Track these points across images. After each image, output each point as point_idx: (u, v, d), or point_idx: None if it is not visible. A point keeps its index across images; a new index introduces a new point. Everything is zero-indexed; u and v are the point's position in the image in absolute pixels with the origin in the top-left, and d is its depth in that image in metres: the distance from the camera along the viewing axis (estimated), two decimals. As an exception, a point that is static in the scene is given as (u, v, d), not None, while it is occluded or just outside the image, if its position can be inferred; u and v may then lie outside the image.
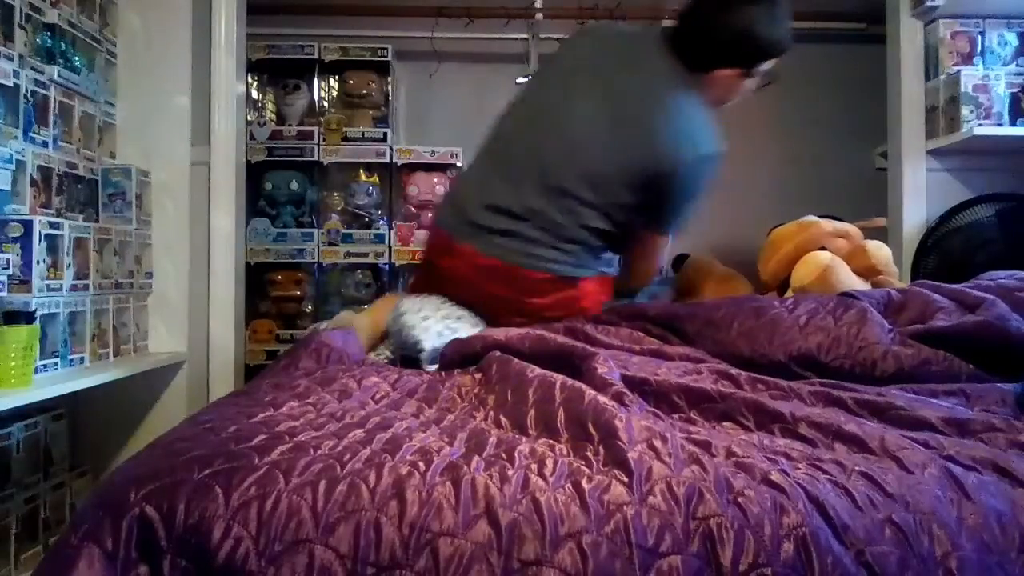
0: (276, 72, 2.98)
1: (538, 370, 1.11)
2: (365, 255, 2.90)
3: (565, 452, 0.87)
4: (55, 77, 1.88)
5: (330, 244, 2.89)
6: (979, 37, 2.38)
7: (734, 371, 1.23)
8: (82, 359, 1.86)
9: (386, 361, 1.62)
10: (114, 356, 2.01)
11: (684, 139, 1.68)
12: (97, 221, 2.06)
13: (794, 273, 1.91)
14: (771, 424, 0.99)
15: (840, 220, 2.09)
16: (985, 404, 1.10)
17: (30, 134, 1.79)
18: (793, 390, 1.14)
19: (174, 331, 2.24)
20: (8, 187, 1.68)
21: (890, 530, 0.73)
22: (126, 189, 2.11)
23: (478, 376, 1.24)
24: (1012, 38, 2.40)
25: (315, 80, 2.98)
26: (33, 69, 1.82)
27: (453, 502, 0.73)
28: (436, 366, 1.48)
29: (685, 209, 1.77)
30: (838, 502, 0.75)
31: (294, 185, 2.89)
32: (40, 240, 1.68)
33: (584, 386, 1.01)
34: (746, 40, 1.71)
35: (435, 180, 2.96)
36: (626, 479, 0.77)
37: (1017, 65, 2.39)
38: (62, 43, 1.92)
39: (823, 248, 1.92)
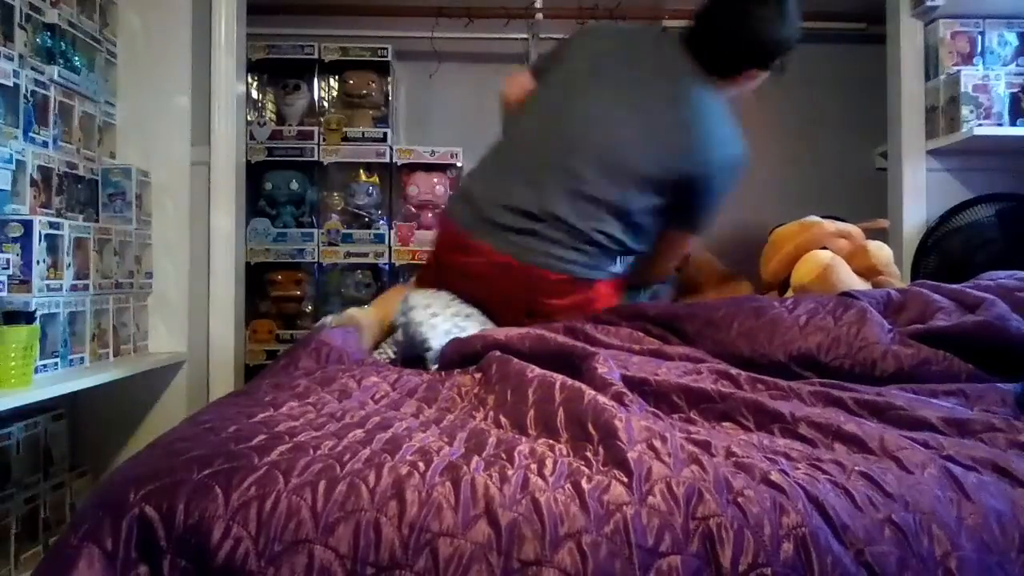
0: (276, 72, 2.98)
1: (538, 370, 1.11)
2: (365, 255, 2.90)
3: (565, 452, 0.87)
4: (55, 77, 1.88)
5: (330, 244, 2.89)
6: (979, 37, 2.38)
7: (734, 371, 1.23)
8: (82, 359, 1.86)
9: (387, 360, 1.62)
10: (114, 356, 2.01)
11: (713, 140, 1.72)
12: (97, 221, 2.06)
13: (794, 272, 1.91)
14: (771, 424, 0.99)
15: (842, 220, 2.09)
16: (985, 404, 1.10)
17: (30, 134, 1.79)
18: (793, 390, 1.14)
19: (174, 331, 2.24)
20: (8, 187, 1.68)
21: (890, 530, 0.73)
22: (126, 189, 2.11)
23: (478, 376, 1.24)
24: (1012, 38, 2.40)
25: (315, 80, 2.98)
26: (33, 69, 1.82)
27: (453, 502, 0.73)
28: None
29: (714, 208, 1.80)
30: (838, 502, 0.75)
31: (294, 185, 2.89)
32: (40, 240, 1.68)
33: (584, 386, 1.01)
34: (767, 41, 1.75)
35: (435, 180, 2.96)
36: (626, 479, 0.77)
37: (1017, 65, 2.39)
38: (62, 43, 1.92)
39: (824, 248, 1.93)
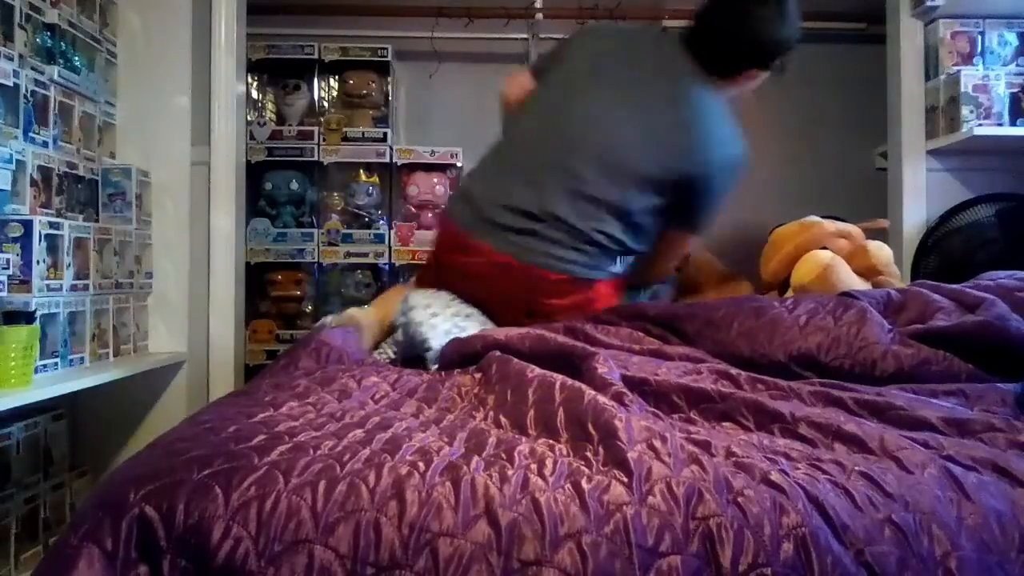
0: (276, 72, 2.98)
1: (538, 370, 1.11)
2: (365, 255, 2.90)
3: (565, 452, 0.87)
4: (55, 77, 1.88)
5: (330, 244, 2.89)
6: (979, 37, 2.38)
7: (734, 371, 1.23)
8: (82, 359, 1.86)
9: (387, 360, 1.62)
10: (114, 356, 2.01)
11: (714, 140, 1.73)
12: (97, 221, 2.06)
13: (794, 272, 1.91)
14: (771, 424, 0.99)
15: (842, 220, 2.09)
16: (985, 404, 1.10)
17: (30, 134, 1.79)
18: (793, 390, 1.14)
19: (174, 331, 2.24)
20: (8, 187, 1.68)
21: (890, 530, 0.73)
22: (126, 189, 2.11)
23: (478, 376, 1.24)
24: (1012, 38, 2.40)
25: (315, 80, 2.98)
26: (33, 69, 1.82)
27: (453, 502, 0.73)
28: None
29: (714, 208, 1.81)
30: (838, 502, 0.75)
31: (294, 185, 2.89)
32: (40, 240, 1.68)
33: (584, 386, 1.01)
34: (767, 41, 1.76)
35: (435, 180, 2.96)
36: (626, 479, 0.77)
37: (1017, 65, 2.39)
38: (62, 43, 1.92)
39: (824, 248, 1.93)
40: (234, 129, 2.31)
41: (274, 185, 2.88)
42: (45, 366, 1.71)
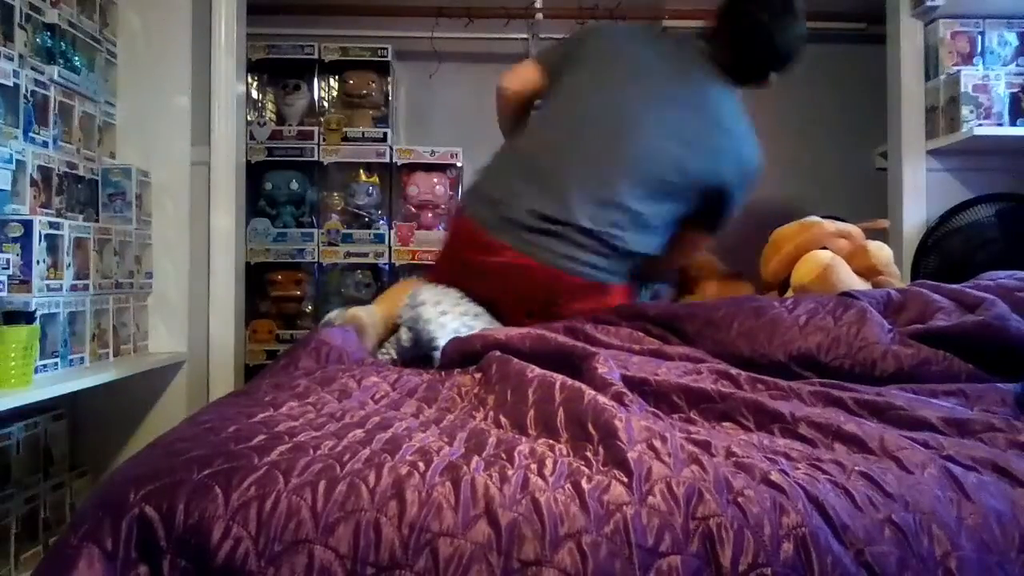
0: (276, 72, 2.98)
1: (538, 370, 1.11)
2: (365, 255, 2.90)
3: (565, 452, 0.87)
4: (55, 77, 1.88)
5: (330, 244, 2.89)
6: (979, 37, 2.38)
7: (734, 371, 1.23)
8: (82, 359, 1.86)
9: (389, 360, 1.61)
10: (114, 356, 2.01)
11: (741, 148, 1.80)
12: (97, 221, 2.06)
13: (794, 272, 1.91)
14: (771, 424, 0.99)
15: (842, 220, 2.09)
16: (985, 404, 1.10)
17: (30, 134, 1.79)
18: (793, 390, 1.14)
19: (174, 331, 2.24)
20: (8, 187, 1.68)
21: (890, 530, 0.73)
22: (126, 189, 2.11)
23: (478, 376, 1.24)
24: (1012, 38, 2.40)
25: (315, 80, 2.98)
26: (33, 69, 1.82)
27: (453, 502, 0.73)
28: None
29: (735, 211, 1.86)
30: (838, 502, 0.75)
31: (294, 185, 2.89)
32: (40, 240, 1.68)
33: (584, 386, 1.01)
34: (790, 49, 1.84)
35: (435, 180, 2.96)
36: (626, 479, 0.77)
37: (1017, 65, 2.38)
38: (62, 43, 1.92)
39: (824, 248, 1.92)
40: (234, 129, 2.31)
41: (274, 185, 2.88)
42: (45, 366, 1.71)
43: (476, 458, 0.82)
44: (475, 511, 0.73)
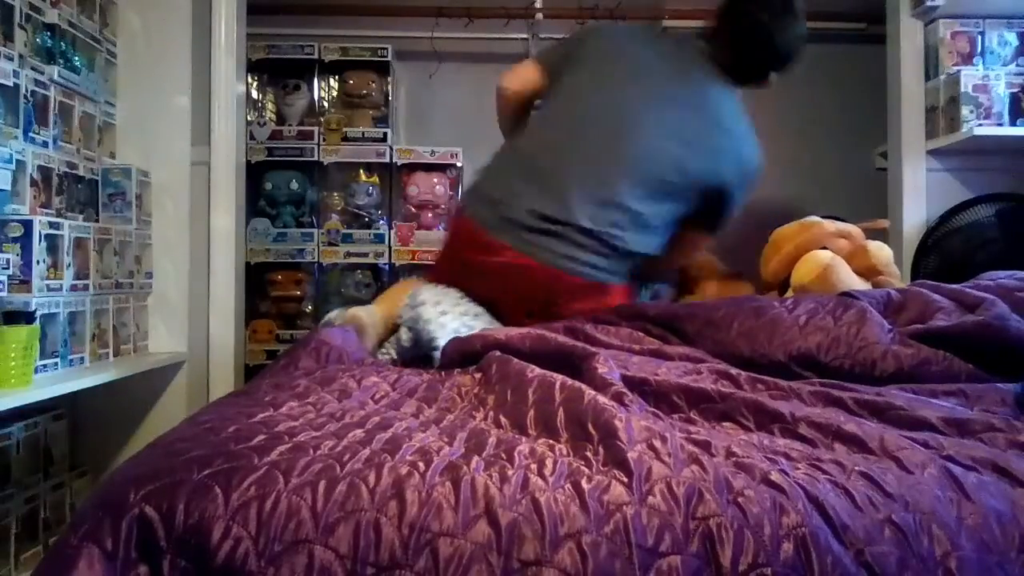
0: (276, 72, 2.98)
1: (538, 370, 1.11)
2: (365, 255, 2.91)
3: (565, 452, 0.87)
4: (55, 77, 1.88)
5: (330, 244, 2.89)
6: (979, 37, 2.38)
7: (734, 371, 1.23)
8: (82, 359, 1.86)
9: (389, 360, 1.61)
10: (114, 356, 2.01)
11: (742, 149, 1.81)
12: (97, 221, 2.06)
13: (794, 272, 1.91)
14: (771, 424, 0.99)
15: (842, 220, 2.09)
16: (985, 404, 1.10)
17: (30, 134, 1.79)
18: (793, 390, 1.14)
19: (174, 331, 2.24)
20: (8, 187, 1.68)
21: (890, 530, 0.73)
22: (126, 189, 2.11)
23: (478, 376, 1.24)
24: (1012, 38, 2.40)
25: (315, 80, 2.98)
26: (33, 69, 1.82)
27: (453, 502, 0.73)
28: None
29: (735, 212, 1.87)
30: (838, 502, 0.75)
31: (294, 185, 2.89)
32: (40, 240, 1.68)
33: (584, 386, 1.01)
34: (791, 49, 1.85)
35: (435, 180, 2.96)
36: (626, 479, 0.77)
37: (1017, 65, 2.38)
38: (62, 43, 1.92)
39: (824, 248, 1.92)
40: (234, 129, 2.31)
41: (274, 185, 2.88)
42: (45, 366, 1.71)
43: (476, 458, 0.82)
44: (475, 511, 0.73)
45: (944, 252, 2.31)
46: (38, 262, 1.68)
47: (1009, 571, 0.73)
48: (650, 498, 0.74)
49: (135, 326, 2.14)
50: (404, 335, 1.61)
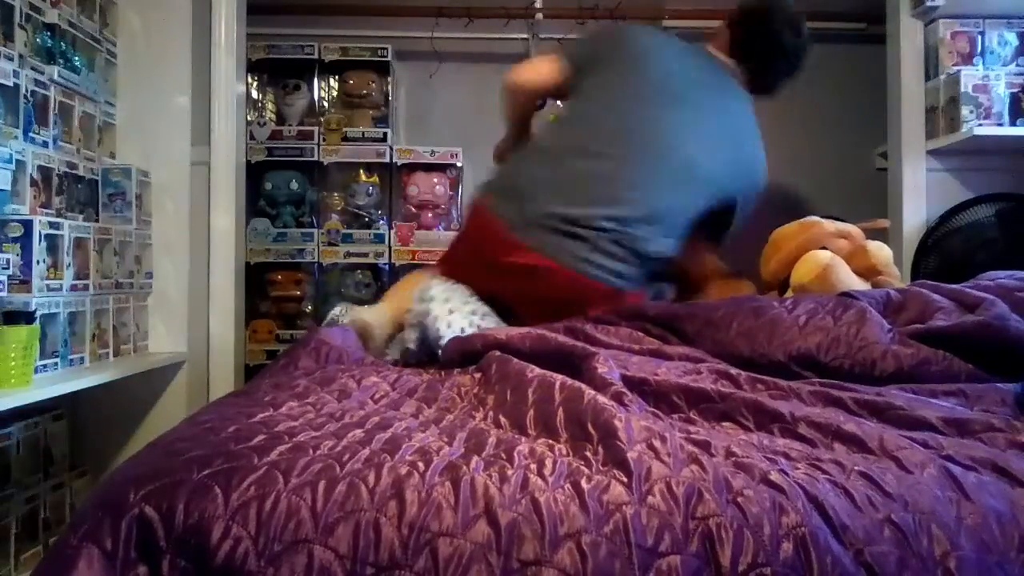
0: (276, 72, 2.98)
1: (537, 370, 1.11)
2: (365, 255, 2.90)
3: (564, 452, 0.87)
4: (55, 77, 1.88)
5: (330, 244, 2.89)
6: (979, 37, 2.38)
7: (734, 371, 1.23)
8: (82, 359, 1.86)
9: (391, 361, 1.61)
10: (114, 356, 2.02)
11: (760, 166, 1.88)
12: (97, 221, 2.06)
13: (794, 271, 1.91)
14: (770, 424, 0.99)
15: (842, 220, 2.08)
16: (984, 404, 1.10)
17: (30, 134, 1.79)
18: (792, 390, 1.14)
19: (174, 331, 2.24)
20: (8, 187, 1.68)
21: (889, 530, 0.73)
22: (126, 189, 2.11)
23: (477, 376, 1.24)
24: (1012, 38, 2.40)
25: (315, 80, 2.98)
26: (33, 69, 1.82)
27: (452, 502, 0.73)
28: None
29: (741, 224, 1.91)
30: (837, 502, 0.75)
31: (294, 185, 2.89)
32: (40, 240, 1.68)
33: (584, 386, 1.01)
34: (802, 60, 1.94)
35: (435, 180, 2.96)
36: (625, 479, 0.77)
37: (1017, 65, 2.39)
38: (62, 43, 1.92)
39: (824, 248, 1.92)
40: (234, 129, 2.32)
41: (274, 185, 2.88)
42: (45, 366, 1.72)
43: (476, 458, 0.82)
44: (475, 511, 0.73)
45: (944, 252, 2.31)
46: (38, 262, 1.68)
47: (1009, 571, 0.73)
48: (650, 498, 0.74)
49: (135, 326, 2.14)
50: (410, 336, 1.62)
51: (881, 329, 1.34)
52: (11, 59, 1.74)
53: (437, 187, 2.95)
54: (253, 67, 2.84)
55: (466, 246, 1.88)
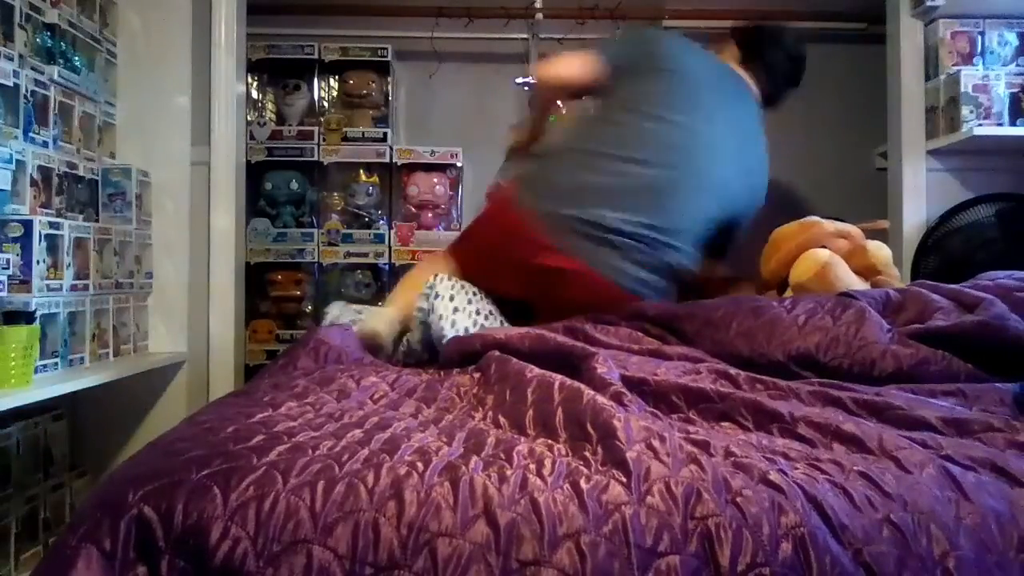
0: (276, 72, 2.98)
1: (537, 370, 1.11)
2: (365, 255, 2.91)
3: (563, 452, 0.87)
4: (55, 77, 1.88)
5: (330, 244, 2.89)
6: (979, 37, 2.38)
7: (733, 371, 1.23)
8: (82, 359, 1.86)
9: (395, 362, 1.61)
10: (114, 356, 2.02)
11: (765, 180, 1.95)
12: (97, 221, 2.06)
13: (793, 270, 1.91)
14: (770, 424, 0.99)
15: (842, 220, 2.08)
16: (984, 404, 1.10)
17: (30, 134, 1.79)
18: (792, 390, 1.14)
19: (174, 331, 2.24)
20: (8, 187, 1.68)
21: (888, 530, 0.73)
22: (126, 189, 2.11)
23: (477, 376, 1.24)
24: (1012, 38, 2.40)
25: (315, 80, 2.98)
26: (33, 69, 1.82)
27: (451, 502, 0.73)
28: None
29: (742, 238, 1.97)
30: (836, 502, 0.75)
31: (294, 185, 2.89)
32: (40, 240, 1.68)
33: (583, 386, 1.01)
34: (803, 74, 2.04)
35: (435, 180, 2.96)
36: (624, 479, 0.77)
37: (1017, 65, 2.38)
38: (62, 43, 1.92)
39: (824, 247, 1.92)
40: (234, 129, 2.31)
41: (274, 185, 2.88)
42: (45, 366, 1.72)
43: (475, 458, 0.82)
44: (474, 511, 0.73)
45: (944, 252, 2.31)
46: (38, 262, 1.68)
47: (1007, 571, 0.73)
48: (649, 498, 0.74)
49: (135, 326, 2.14)
50: (414, 336, 1.62)
51: (880, 329, 1.34)
52: (11, 59, 1.74)
53: (437, 187, 2.95)
54: (253, 67, 2.85)
55: (490, 240, 1.81)
